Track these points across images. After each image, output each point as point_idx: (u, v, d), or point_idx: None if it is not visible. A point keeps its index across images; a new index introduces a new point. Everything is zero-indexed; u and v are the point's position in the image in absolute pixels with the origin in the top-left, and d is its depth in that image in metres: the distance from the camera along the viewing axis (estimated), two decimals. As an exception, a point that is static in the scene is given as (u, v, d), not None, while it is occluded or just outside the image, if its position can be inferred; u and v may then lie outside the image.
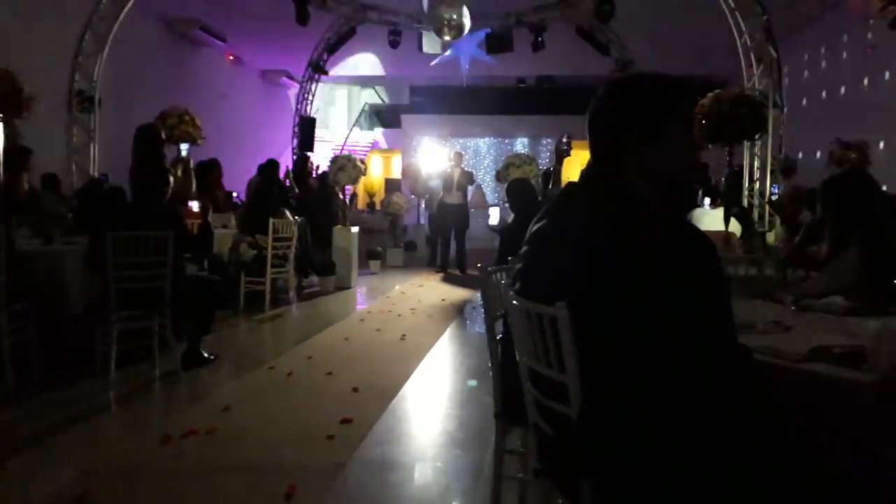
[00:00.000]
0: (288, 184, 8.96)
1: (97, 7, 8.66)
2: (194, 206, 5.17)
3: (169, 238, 4.17)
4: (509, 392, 2.12)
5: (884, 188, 3.71)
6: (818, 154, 7.49)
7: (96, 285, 4.35)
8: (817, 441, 1.56)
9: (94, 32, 8.68)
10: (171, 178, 4.61)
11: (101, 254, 4.07)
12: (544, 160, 16.14)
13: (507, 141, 17.51)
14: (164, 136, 5.56)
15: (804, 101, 9.34)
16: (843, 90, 9.51)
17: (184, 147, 6.53)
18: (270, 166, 7.33)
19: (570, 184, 1.77)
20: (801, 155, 8.34)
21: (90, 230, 4.49)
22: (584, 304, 1.50)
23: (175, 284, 4.26)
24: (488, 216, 14.07)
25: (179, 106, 7.76)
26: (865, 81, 8.82)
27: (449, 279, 9.92)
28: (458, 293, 8.46)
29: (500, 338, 2.33)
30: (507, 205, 6.33)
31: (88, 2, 8.90)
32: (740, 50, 7.72)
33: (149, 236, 4.13)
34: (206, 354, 4.62)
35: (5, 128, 5.89)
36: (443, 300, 7.91)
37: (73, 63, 8.55)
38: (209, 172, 7.14)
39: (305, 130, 13.40)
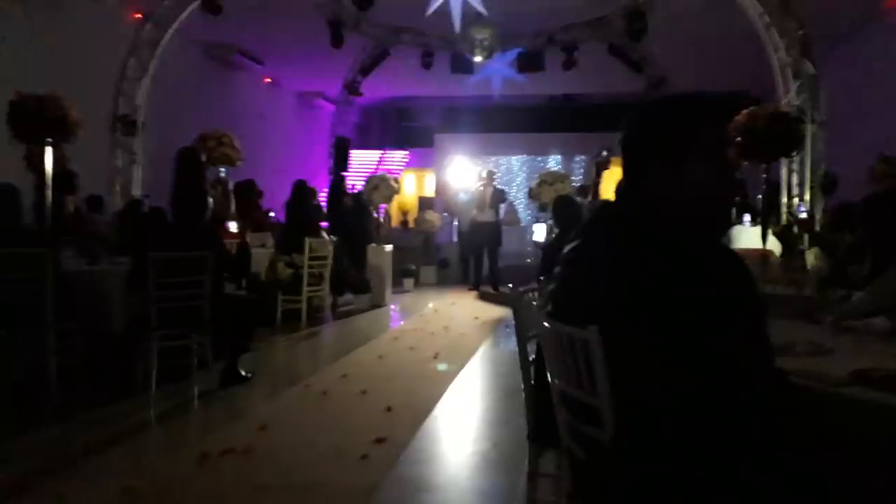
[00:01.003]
0: (316, 204, 9.09)
1: (140, 33, 8.96)
2: (233, 226, 5.28)
3: (208, 258, 4.26)
4: (542, 414, 2.12)
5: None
6: (859, 170, 7.32)
7: (137, 305, 4.46)
8: (859, 468, 1.53)
9: (137, 58, 8.97)
10: (211, 200, 4.72)
11: (143, 274, 4.17)
12: (578, 177, 16.06)
13: (539, 158, 17.48)
14: (203, 157, 5.71)
15: (845, 116, 9.15)
16: (885, 104, 9.30)
17: (222, 169, 6.68)
18: (297, 187, 7.44)
19: (604, 204, 1.77)
20: (840, 170, 8.15)
21: (132, 250, 4.62)
22: (616, 327, 1.49)
23: (214, 304, 4.35)
24: (532, 232, 14.09)
25: (219, 128, 7.95)
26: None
27: (482, 297, 9.91)
28: (491, 311, 8.44)
29: (533, 359, 2.33)
30: (551, 221, 6.33)
31: (132, 28, 9.23)
32: (776, 65, 7.63)
33: (188, 257, 4.23)
34: (243, 373, 4.69)
35: (53, 151, 6.10)
36: (476, 318, 7.90)
37: (117, 87, 8.84)
38: (246, 193, 7.29)
39: (340, 151, 13.58)
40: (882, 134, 8.83)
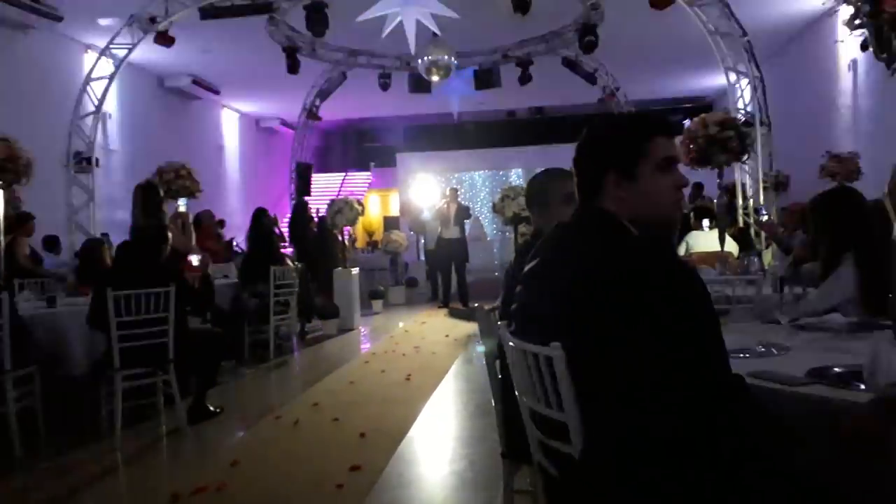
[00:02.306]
0: (278, 231, 9.03)
1: (92, 69, 8.84)
2: (194, 259, 5.21)
3: (170, 293, 4.19)
4: (516, 431, 2.13)
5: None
6: (807, 169, 7.55)
7: (99, 345, 4.36)
8: (819, 464, 1.56)
9: (89, 93, 8.84)
10: (170, 234, 4.66)
11: (103, 312, 4.09)
12: (540, 190, 16.21)
13: (501, 173, 17.65)
14: (162, 191, 5.65)
15: (790, 119, 9.44)
16: (824, 105, 9.62)
17: (182, 202, 6.60)
18: (256, 216, 7.38)
19: (560, 222, 1.79)
20: (789, 170, 8.39)
21: (92, 289, 4.52)
22: (578, 342, 1.51)
23: (178, 340, 4.27)
24: (497, 246, 14.19)
25: (175, 161, 7.85)
26: (849, 95, 8.93)
27: (452, 314, 9.90)
28: (461, 328, 8.44)
29: (501, 377, 2.34)
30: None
31: (84, 64, 9.11)
32: (724, 71, 7.85)
33: (150, 293, 4.16)
34: (211, 408, 4.61)
35: (4, 193, 5.96)
36: (447, 336, 7.90)
37: (71, 125, 8.68)
38: (205, 224, 7.20)
39: (302, 176, 13.53)
40: (824, 133, 9.14)
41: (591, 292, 1.51)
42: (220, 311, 5.94)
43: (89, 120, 8.83)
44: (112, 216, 8.98)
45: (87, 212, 8.73)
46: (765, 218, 6.87)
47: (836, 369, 1.79)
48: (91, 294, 4.41)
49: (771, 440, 1.48)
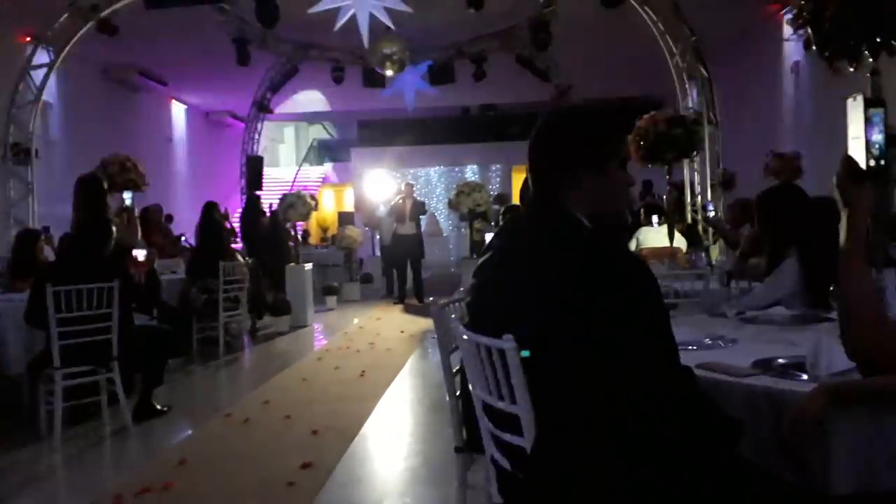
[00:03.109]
0: (229, 225, 8.84)
1: (30, 57, 8.48)
2: (140, 254, 5.04)
3: (114, 289, 4.05)
4: (471, 425, 2.12)
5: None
6: (753, 167, 7.77)
7: (38, 342, 4.19)
8: (763, 454, 1.60)
9: (27, 83, 8.48)
10: (115, 228, 4.50)
11: (42, 309, 3.93)
12: (494, 186, 16.33)
13: (456, 169, 17.68)
14: (106, 185, 5.44)
15: (737, 117, 9.71)
16: (770, 104, 9.93)
17: (127, 195, 6.38)
18: (206, 210, 7.21)
19: (512, 216, 1.79)
20: (736, 168, 8.63)
21: (30, 285, 4.34)
22: (531, 334, 1.51)
23: (123, 336, 4.14)
24: (452, 242, 14.23)
25: (121, 153, 7.60)
26: (794, 94, 9.23)
27: (407, 310, 9.88)
28: (417, 324, 8.42)
29: (457, 370, 2.33)
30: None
31: (21, 53, 8.73)
32: (673, 71, 8.01)
33: (92, 288, 4.01)
34: (158, 406, 4.48)
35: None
36: (402, 332, 7.86)
37: (8, 114, 8.32)
38: (152, 218, 6.99)
39: (253, 170, 13.28)
40: (769, 133, 9.43)
41: (544, 285, 1.51)
42: (168, 308, 5.78)
43: (28, 110, 8.47)
44: (53, 210, 8.64)
45: (25, 205, 8.39)
46: (712, 214, 7.06)
47: (781, 360, 1.83)
48: (29, 290, 4.23)
49: (717, 431, 1.50)
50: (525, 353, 1.50)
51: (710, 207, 7.19)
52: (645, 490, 1.42)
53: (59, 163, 9.68)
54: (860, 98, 1.36)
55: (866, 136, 1.36)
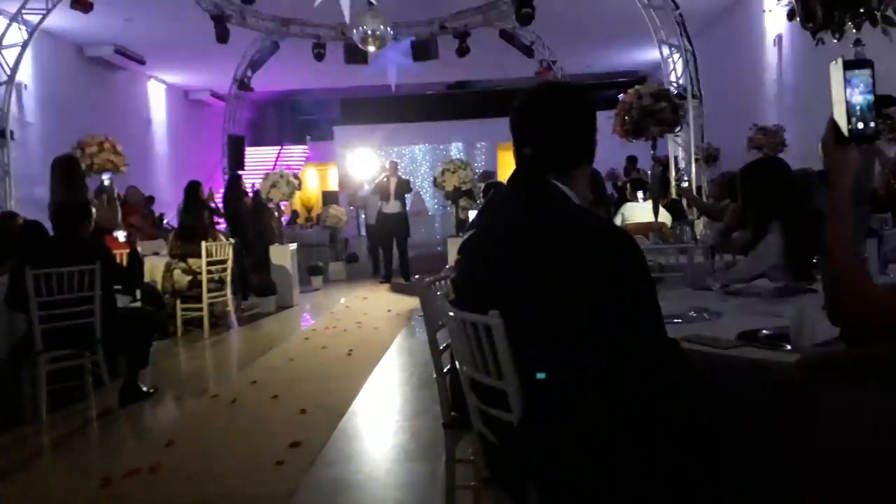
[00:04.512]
0: (213, 205, 8.74)
1: (2, 36, 8.27)
2: (120, 235, 4.99)
3: (95, 272, 4.00)
4: (459, 400, 2.13)
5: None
6: (736, 140, 7.79)
7: (20, 326, 4.14)
8: (749, 424, 1.61)
9: (1, 62, 8.29)
10: (94, 210, 4.44)
11: (23, 293, 3.88)
12: (480, 164, 16.28)
13: (441, 146, 17.58)
14: (84, 166, 5.36)
15: (720, 91, 9.72)
16: (752, 79, 9.94)
17: (106, 176, 6.29)
18: (188, 189, 7.11)
19: (497, 193, 1.78)
20: (719, 142, 8.66)
21: (9, 268, 4.27)
22: (518, 310, 1.51)
23: (106, 319, 4.10)
24: (438, 221, 14.23)
25: (99, 134, 7.47)
26: (776, 68, 9.24)
27: (394, 289, 9.86)
28: (403, 302, 8.42)
29: (444, 347, 2.33)
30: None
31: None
32: (657, 45, 7.98)
33: (73, 271, 3.96)
34: (144, 388, 4.45)
35: None
36: (389, 311, 7.86)
37: (-20, 95, 8.13)
38: (132, 199, 6.90)
39: (235, 149, 13.13)
40: (752, 106, 9.45)
41: (531, 261, 1.51)
42: (151, 289, 5.73)
43: (1, 90, 8.29)
44: (29, 193, 8.49)
45: (1, 188, 8.24)
46: (685, 185, 7.07)
47: (765, 332, 1.85)
48: (8, 274, 4.17)
49: (703, 403, 1.52)
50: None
51: (685, 178, 7.22)
52: (631, 462, 1.43)
53: (34, 144, 9.51)
54: (840, 60, 1.35)
55: (846, 99, 1.35)
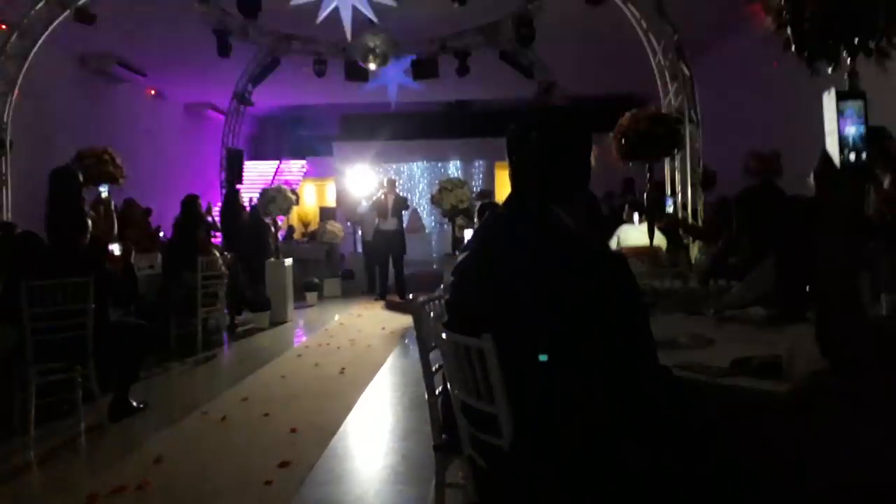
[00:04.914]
0: (211, 219, 8.74)
1: (5, 46, 8.30)
2: (116, 248, 4.97)
3: (89, 284, 3.99)
4: (451, 423, 2.11)
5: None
6: (733, 166, 7.82)
7: (11, 337, 4.11)
8: (741, 452, 1.60)
9: (1, 72, 8.31)
10: (90, 222, 4.43)
11: (15, 304, 3.85)
12: (477, 182, 16.32)
13: (439, 164, 17.63)
14: (81, 177, 5.35)
15: (718, 116, 9.78)
16: (751, 103, 10.01)
17: (103, 188, 6.28)
18: (185, 203, 7.10)
19: (491, 215, 1.78)
20: (716, 167, 8.70)
21: (3, 278, 4.25)
22: (511, 334, 1.51)
23: (98, 332, 4.08)
24: (434, 240, 14.24)
25: (98, 145, 7.47)
26: (772, 94, 9.30)
27: (389, 306, 9.85)
28: (398, 320, 8.40)
29: (437, 368, 2.32)
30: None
31: (-5, 41, 8.54)
32: (655, 69, 8.03)
33: (67, 283, 3.94)
34: (134, 403, 4.42)
35: None
36: (383, 329, 7.84)
37: (-19, 104, 8.14)
38: (128, 212, 6.89)
39: (233, 163, 13.15)
40: (750, 131, 9.50)
41: (525, 285, 1.50)
42: (144, 303, 5.70)
43: (2, 100, 8.29)
44: (27, 203, 8.47)
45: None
46: (670, 210, 7.06)
47: (758, 360, 1.84)
48: (2, 285, 4.15)
49: (693, 432, 1.51)
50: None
51: (669, 203, 7.22)
52: (621, 488, 1.42)
53: (32, 155, 9.50)
54: (833, 91, 1.36)
55: (839, 130, 1.36)
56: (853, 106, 1.38)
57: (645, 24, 7.84)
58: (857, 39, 2.23)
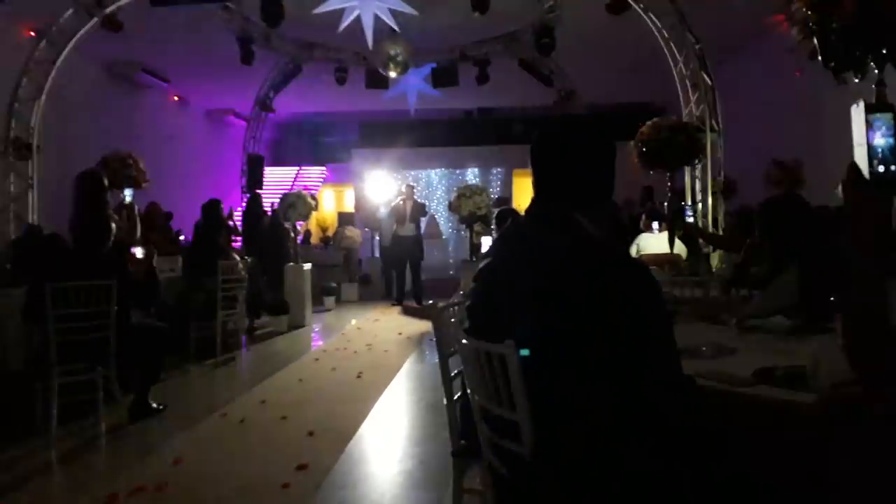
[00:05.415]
0: (231, 224, 8.81)
1: (33, 52, 8.47)
2: (138, 252, 5.03)
3: (112, 287, 4.04)
4: (472, 428, 2.11)
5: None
6: (755, 174, 7.76)
7: (36, 339, 4.18)
8: (765, 463, 1.59)
9: (31, 77, 8.47)
10: (114, 225, 4.49)
11: (40, 305, 3.92)
12: (495, 189, 16.32)
13: (458, 171, 17.65)
14: (106, 181, 5.43)
15: (740, 125, 9.71)
16: (774, 112, 9.92)
17: (128, 192, 6.36)
18: (206, 208, 7.16)
19: (514, 222, 1.78)
20: (738, 176, 8.63)
21: (28, 281, 4.32)
22: (533, 341, 1.50)
23: (120, 334, 4.12)
24: (451, 245, 14.26)
25: (122, 150, 7.58)
26: (795, 103, 9.22)
27: (405, 312, 9.85)
28: (415, 326, 8.41)
29: (455, 374, 2.32)
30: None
31: (24, 47, 8.71)
32: (676, 78, 7.99)
33: (91, 286, 4.00)
34: (154, 405, 4.47)
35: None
36: (400, 334, 7.85)
37: (10, 109, 8.30)
38: (151, 216, 6.97)
39: (254, 168, 13.28)
40: (772, 141, 9.41)
41: (549, 292, 1.50)
42: (166, 306, 5.76)
43: (30, 105, 8.45)
44: (53, 206, 8.62)
45: (25, 200, 8.37)
46: (690, 219, 7.01)
47: (782, 370, 1.82)
48: (27, 286, 4.22)
49: (708, 443, 1.50)
50: (524, 352, 1.49)
51: (689, 212, 7.17)
52: (644, 496, 1.41)
53: (59, 159, 9.66)
54: (862, 104, 1.35)
55: (868, 142, 1.35)
56: (882, 118, 1.37)
57: (666, 34, 7.81)
58: (884, 50, 2.21)
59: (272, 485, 3.21)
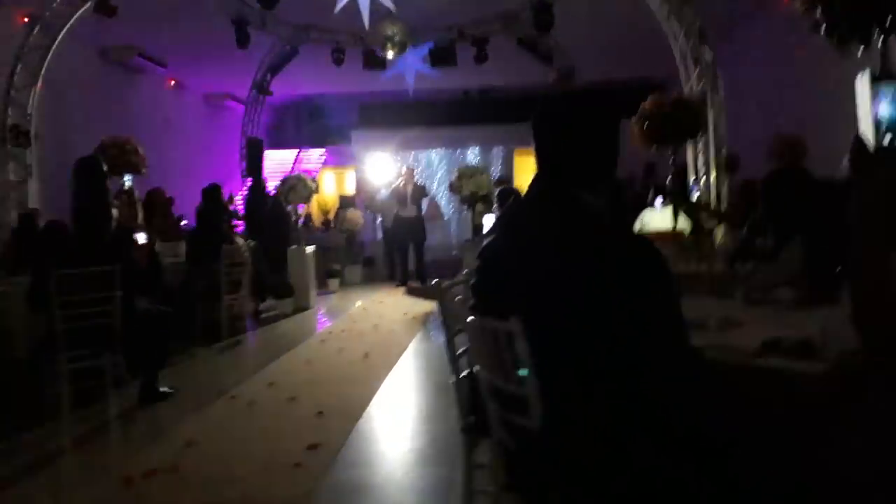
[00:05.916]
0: (233, 208, 8.81)
1: (28, 38, 8.40)
2: (140, 237, 5.03)
3: (115, 273, 4.05)
4: (479, 404, 2.13)
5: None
6: (758, 149, 7.72)
7: (41, 326, 4.20)
8: (772, 433, 1.60)
9: (25, 65, 8.41)
10: (115, 211, 4.49)
11: (45, 293, 3.93)
12: (496, 169, 16.26)
13: (458, 151, 17.57)
14: (105, 167, 5.42)
15: (741, 99, 9.64)
16: (776, 85, 9.85)
17: (127, 178, 6.36)
18: (207, 192, 7.15)
19: (516, 199, 1.79)
20: (740, 150, 8.59)
21: (31, 268, 4.33)
22: (540, 316, 1.51)
23: (125, 320, 4.14)
24: (452, 226, 14.25)
25: (120, 135, 7.55)
26: (797, 76, 9.15)
27: (410, 292, 9.88)
28: (420, 306, 8.43)
29: (462, 351, 2.33)
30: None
31: (19, 32, 8.65)
32: (677, 53, 7.94)
33: (94, 272, 4.01)
34: (163, 389, 4.49)
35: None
36: (405, 314, 7.88)
37: (6, 96, 8.26)
38: (153, 201, 6.97)
39: (253, 152, 13.23)
40: (775, 114, 9.35)
41: (553, 267, 1.51)
42: (170, 291, 5.78)
43: (26, 92, 8.41)
44: (52, 193, 8.61)
45: (24, 188, 8.36)
46: (696, 195, 7.01)
47: (789, 341, 1.83)
48: (31, 274, 4.23)
49: (720, 413, 1.51)
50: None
51: (696, 189, 7.17)
52: (652, 469, 1.42)
53: (57, 146, 9.63)
54: (868, 74, 1.35)
55: (873, 112, 1.34)
56: (887, 88, 1.36)
57: (666, 9, 7.74)
58: (890, 19, 2.19)
59: (284, 465, 3.24)
